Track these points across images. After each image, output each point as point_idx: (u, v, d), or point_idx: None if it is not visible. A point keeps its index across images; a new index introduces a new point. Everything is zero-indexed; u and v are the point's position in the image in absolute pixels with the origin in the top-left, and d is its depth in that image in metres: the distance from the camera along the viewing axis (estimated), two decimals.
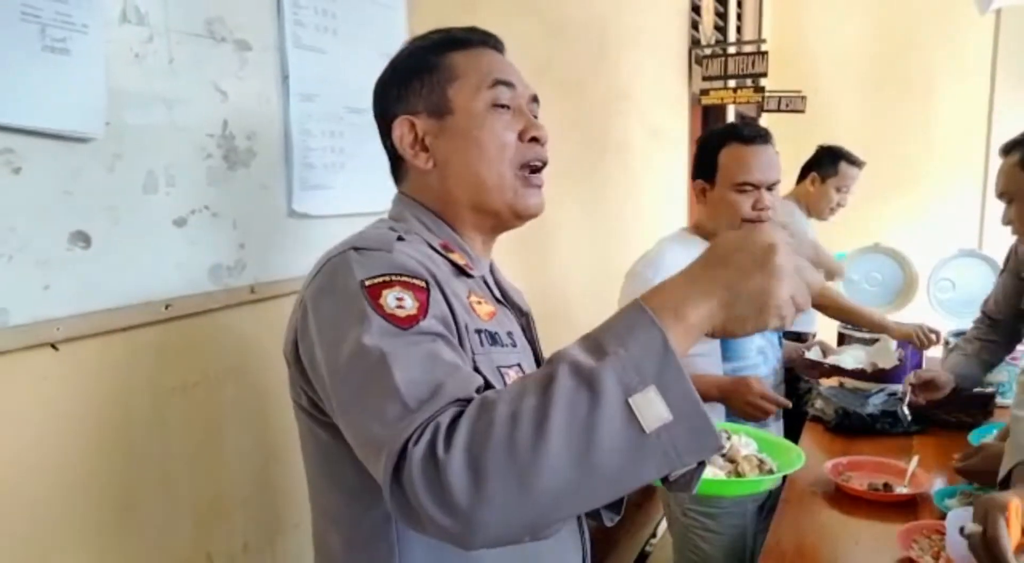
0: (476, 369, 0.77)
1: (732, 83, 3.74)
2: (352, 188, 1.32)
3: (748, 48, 3.90)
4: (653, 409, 0.60)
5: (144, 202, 0.94)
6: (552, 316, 2.16)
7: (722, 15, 4.15)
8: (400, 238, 0.82)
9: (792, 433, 2.15)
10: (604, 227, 2.63)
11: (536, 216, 0.93)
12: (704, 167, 1.77)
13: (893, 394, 2.18)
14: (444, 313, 0.76)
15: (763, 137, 1.75)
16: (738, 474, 0.88)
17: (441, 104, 0.90)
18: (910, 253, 2.75)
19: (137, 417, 0.95)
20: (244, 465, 1.10)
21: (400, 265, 0.77)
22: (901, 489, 1.68)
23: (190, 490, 1.02)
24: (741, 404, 1.64)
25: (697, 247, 1.67)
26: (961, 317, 2.49)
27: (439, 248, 0.87)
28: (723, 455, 0.91)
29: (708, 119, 4.08)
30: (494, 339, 0.85)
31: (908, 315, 2.71)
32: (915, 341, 2.33)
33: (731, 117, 4.45)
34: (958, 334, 2.38)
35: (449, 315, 0.77)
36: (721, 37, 4.12)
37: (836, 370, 2.12)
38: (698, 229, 1.85)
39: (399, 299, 0.74)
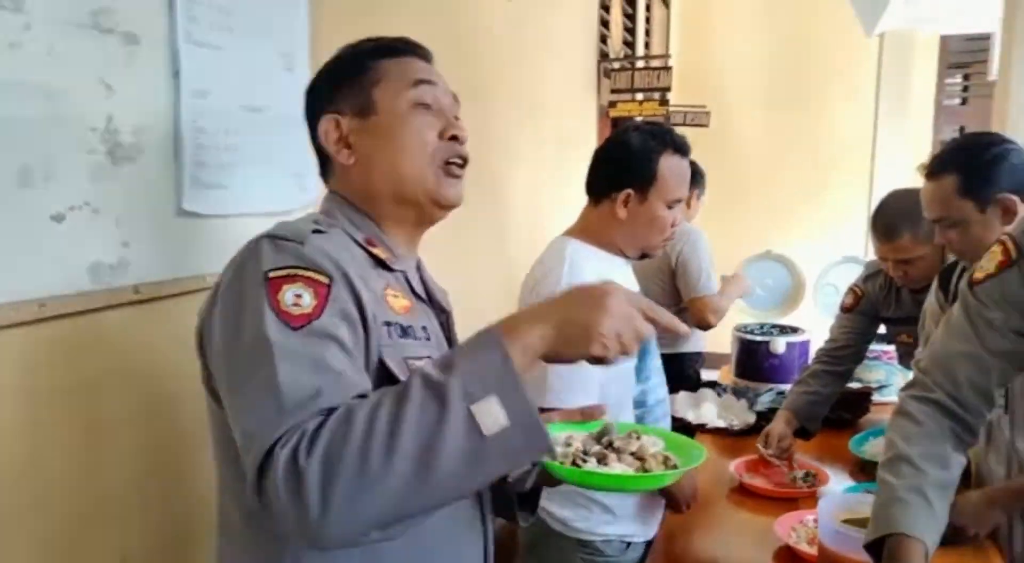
0: (381, 359, 0.83)
1: (639, 96, 3.86)
2: (251, 188, 1.30)
3: (655, 63, 4.05)
4: (492, 416, 0.69)
5: (19, 196, 0.90)
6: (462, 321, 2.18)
7: (630, 30, 4.29)
8: (318, 231, 0.85)
9: (687, 432, 2.24)
10: (513, 235, 2.67)
11: (456, 206, 0.99)
12: (637, 175, 1.54)
13: (780, 393, 2.31)
14: (346, 308, 0.80)
15: (689, 149, 1.62)
16: (645, 471, 0.94)
17: (366, 104, 0.95)
18: (800, 260, 2.92)
19: (7, 422, 0.91)
20: (124, 474, 1.06)
21: (308, 258, 0.80)
22: (796, 476, 1.79)
23: (65, 500, 0.98)
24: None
25: (599, 257, 1.57)
26: None
27: (362, 242, 0.92)
28: (632, 453, 0.96)
29: (617, 128, 4.20)
30: (405, 332, 0.89)
31: (796, 318, 2.87)
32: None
33: None
34: None
35: (353, 308, 0.81)
36: (629, 51, 4.26)
37: (702, 429, 2.18)
38: (599, 240, 1.60)
39: (297, 296, 0.77)
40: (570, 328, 0.76)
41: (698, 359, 2.75)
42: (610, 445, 0.97)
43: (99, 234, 1.00)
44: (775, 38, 5.33)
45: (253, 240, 0.84)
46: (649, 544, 1.59)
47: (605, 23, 3.83)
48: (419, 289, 0.99)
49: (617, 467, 0.92)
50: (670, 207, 1.56)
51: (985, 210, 1.46)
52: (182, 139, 1.13)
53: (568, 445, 0.97)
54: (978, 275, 1.13)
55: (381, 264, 0.92)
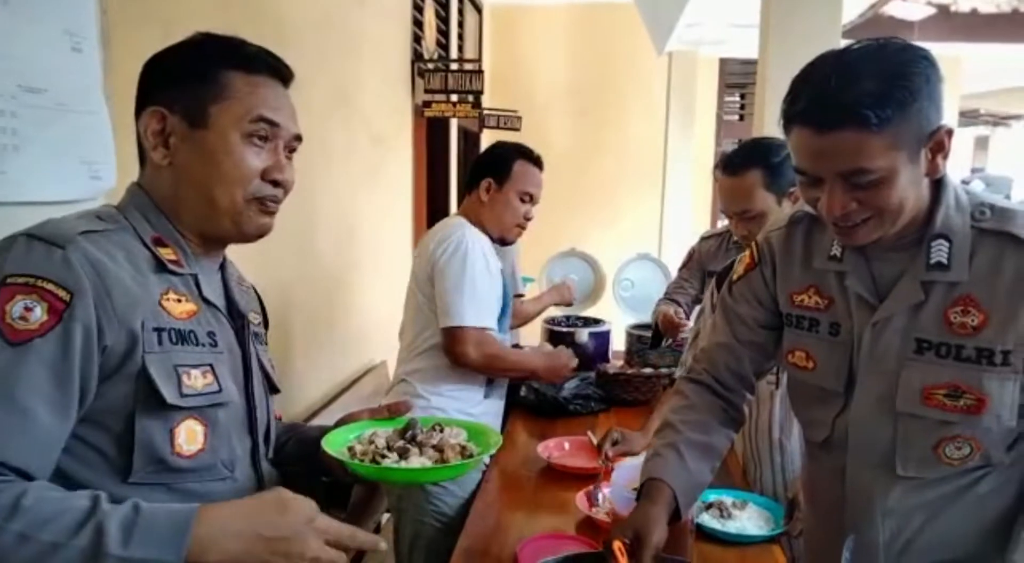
0: (144, 367, 0.83)
1: (454, 97, 3.95)
2: (31, 174, 1.20)
3: (468, 66, 4.16)
4: None
5: None
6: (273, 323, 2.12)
7: (444, 33, 4.37)
8: (90, 231, 0.82)
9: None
10: (323, 231, 2.64)
11: (262, 236, 0.98)
12: (496, 169, 2.05)
13: (585, 379, 2.49)
14: (84, 327, 0.79)
15: (542, 165, 2.11)
16: (443, 461, 1.00)
17: (199, 116, 0.91)
18: (601, 257, 3.15)
19: None
20: None
21: (56, 269, 0.78)
22: (600, 462, 1.91)
23: None
24: (561, 368, 2.08)
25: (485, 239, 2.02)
26: (638, 313, 2.90)
27: (149, 241, 0.89)
28: (434, 446, 1.02)
29: (433, 131, 4.27)
30: (183, 338, 0.88)
31: (597, 310, 3.10)
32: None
33: (454, 129, 4.70)
34: (636, 326, 2.78)
35: (93, 325, 0.79)
36: (444, 53, 4.34)
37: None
38: (475, 221, 2.04)
39: (27, 309, 0.76)
40: (268, 557, 0.78)
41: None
42: (413, 439, 1.03)
43: None
44: (579, 51, 5.68)
45: (10, 237, 0.80)
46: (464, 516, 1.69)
47: (419, 24, 3.88)
48: (211, 293, 0.96)
49: (416, 461, 0.99)
50: (522, 200, 2.05)
51: (781, 202, 1.67)
52: None
53: (371, 442, 1.02)
54: (734, 277, 1.31)
55: (163, 266, 0.90)
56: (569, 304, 2.85)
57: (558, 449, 2.00)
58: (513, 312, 2.69)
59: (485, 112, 4.93)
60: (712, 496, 1.62)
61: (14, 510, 0.70)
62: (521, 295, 2.80)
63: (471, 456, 1.01)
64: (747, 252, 1.29)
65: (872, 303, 1.08)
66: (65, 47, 1.29)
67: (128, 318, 0.82)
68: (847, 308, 1.11)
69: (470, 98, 3.94)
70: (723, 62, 5.90)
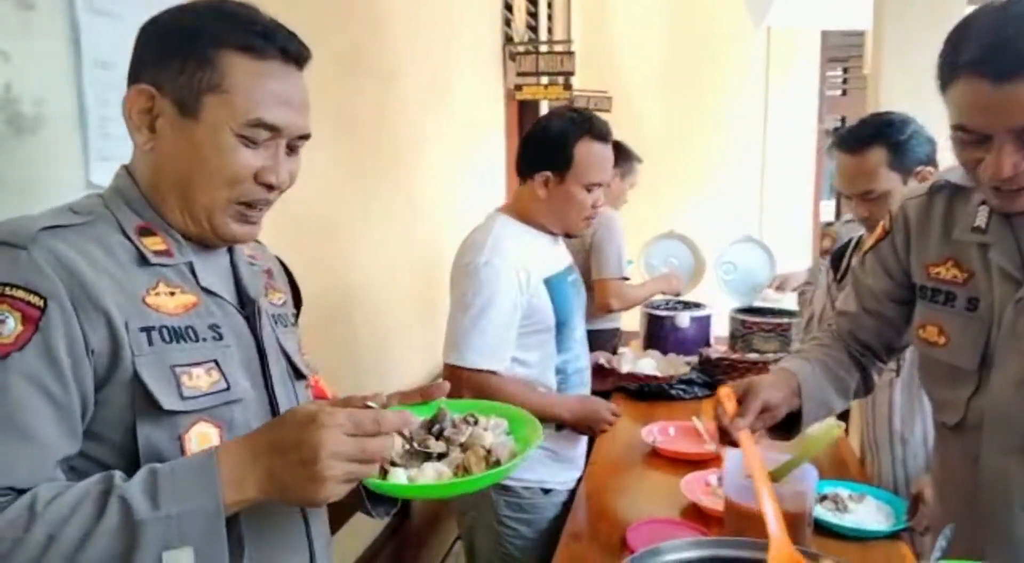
0: (135, 372, 0.74)
1: (544, 80, 3.92)
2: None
3: (558, 47, 4.11)
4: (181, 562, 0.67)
5: None
6: (349, 314, 2.16)
7: (533, 15, 4.33)
8: (55, 226, 0.74)
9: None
10: (426, 219, 2.67)
11: (242, 243, 0.90)
12: (555, 158, 1.63)
13: (687, 363, 2.43)
14: (71, 333, 0.71)
15: (610, 135, 1.70)
16: (466, 470, 0.84)
17: (190, 104, 0.79)
18: (700, 240, 3.06)
19: None
20: None
21: (23, 273, 0.70)
22: (709, 446, 1.87)
23: None
24: (595, 422, 1.67)
25: (524, 231, 1.67)
26: (742, 296, 2.81)
27: (133, 232, 0.80)
28: (461, 445, 0.86)
29: (523, 113, 4.26)
30: (179, 335, 0.79)
31: (698, 294, 3.02)
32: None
33: (544, 111, 4.66)
34: (740, 310, 2.69)
35: (75, 329, 0.71)
36: (533, 36, 4.31)
37: (633, 376, 2.17)
38: (525, 217, 1.70)
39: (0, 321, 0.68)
40: (290, 475, 0.70)
41: (615, 335, 2.86)
42: (441, 434, 0.88)
43: (2, 207, 0.95)
44: (672, 28, 5.50)
45: None
46: (572, 494, 1.70)
47: (509, 6, 3.86)
48: (212, 281, 0.86)
49: (430, 471, 0.83)
50: (588, 190, 1.66)
51: (907, 182, 1.57)
52: (87, 110, 1.08)
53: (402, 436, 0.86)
54: (865, 247, 1.26)
55: (144, 259, 0.80)
56: (677, 294, 2.79)
57: (663, 434, 1.96)
58: (618, 295, 2.67)
59: (576, 93, 4.88)
60: (827, 488, 1.55)
61: (31, 517, 0.65)
62: (627, 278, 2.76)
63: (498, 463, 0.84)
64: (881, 222, 1.22)
65: (1018, 278, 1.00)
66: None
67: (110, 319, 0.73)
68: (988, 283, 1.04)
69: (561, 80, 3.91)
70: (825, 35, 5.60)
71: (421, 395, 0.92)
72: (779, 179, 5.24)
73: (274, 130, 0.82)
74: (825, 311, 1.96)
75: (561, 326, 1.67)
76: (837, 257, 1.92)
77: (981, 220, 1.05)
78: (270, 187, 0.83)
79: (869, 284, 1.22)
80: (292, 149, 0.86)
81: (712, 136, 5.43)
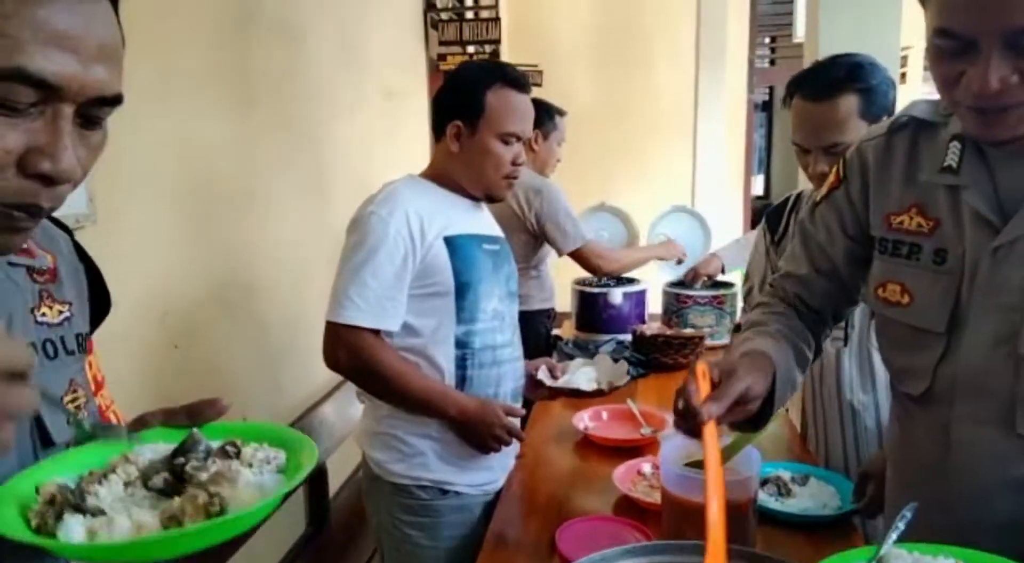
0: None
1: (470, 49, 3.74)
2: None
3: (484, 14, 3.93)
4: None
5: None
6: (255, 303, 1.98)
7: None
8: None
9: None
10: (339, 191, 2.47)
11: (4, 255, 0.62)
12: (465, 107, 1.48)
13: (620, 342, 2.32)
14: None
15: (528, 85, 1.56)
16: (179, 522, 0.59)
17: None
18: (632, 211, 2.94)
19: None
20: None
21: None
22: (644, 431, 1.75)
23: None
24: (484, 433, 1.44)
25: (434, 191, 1.51)
26: (675, 269, 2.70)
27: None
28: (202, 485, 0.61)
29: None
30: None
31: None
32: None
33: None
34: (673, 284, 2.59)
35: None
36: (458, 3, 4.11)
37: (572, 392, 1.71)
38: (437, 177, 1.54)
39: None
40: None
41: (549, 315, 2.67)
42: (179, 473, 0.63)
43: None
44: (601, 2, 5.39)
45: None
46: (498, 495, 1.52)
47: None
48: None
49: (123, 524, 0.58)
50: (505, 142, 1.49)
51: None
52: None
53: (96, 476, 0.63)
54: (816, 198, 1.11)
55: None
56: (680, 261, 2.66)
57: (595, 419, 1.83)
58: (599, 255, 2.49)
59: None
60: (768, 469, 1.44)
61: None
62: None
63: (220, 513, 0.59)
64: (834, 168, 1.07)
65: (995, 223, 0.87)
66: None
67: None
68: (959, 231, 0.91)
69: (488, 49, 3.73)
70: (753, 3, 5.57)
71: (187, 414, 0.71)
72: (711, 149, 5.19)
73: (46, 88, 0.52)
74: (766, 279, 1.85)
75: (463, 290, 1.46)
76: (774, 217, 1.78)
77: (952, 159, 0.91)
78: (46, 179, 0.54)
79: (821, 241, 1.08)
80: (89, 121, 0.57)
81: (643, 107, 5.37)
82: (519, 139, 1.51)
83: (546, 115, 2.61)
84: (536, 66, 4.73)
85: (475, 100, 1.48)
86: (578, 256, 2.50)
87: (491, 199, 1.57)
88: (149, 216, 1.54)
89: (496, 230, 1.62)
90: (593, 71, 5.42)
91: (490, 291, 1.51)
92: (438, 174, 1.54)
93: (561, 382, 1.69)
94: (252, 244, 1.95)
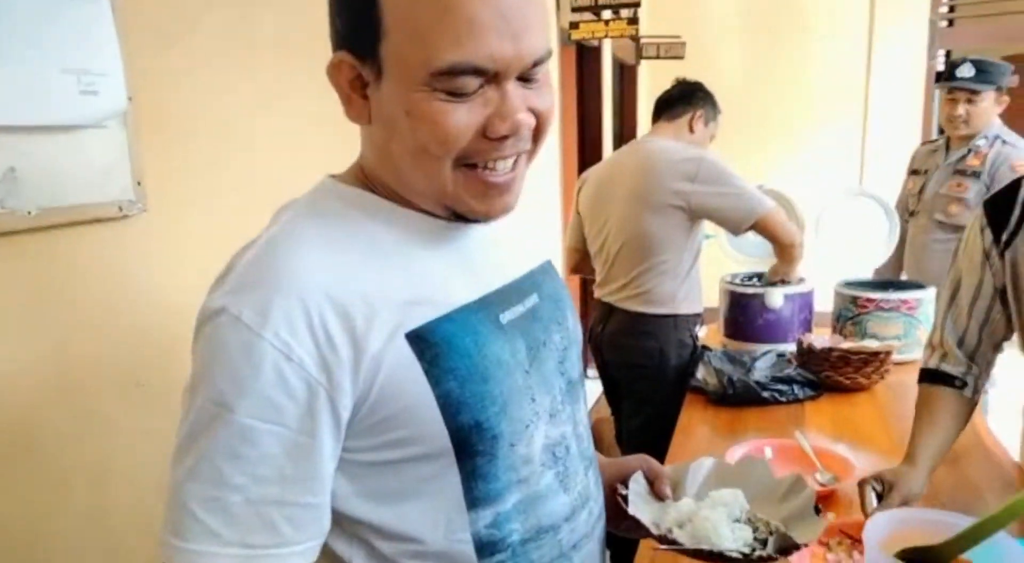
0: None
1: (606, 14, 3.36)
2: None
3: None
4: None
5: None
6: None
7: None
8: None
9: (674, 404, 1.84)
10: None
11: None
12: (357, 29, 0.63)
13: (781, 355, 1.91)
14: None
15: None
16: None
17: None
18: (793, 194, 2.48)
19: None
20: None
21: None
22: (822, 478, 1.38)
23: None
24: None
25: (369, 217, 0.68)
26: (850, 265, 2.24)
27: None
28: None
29: (583, 61, 3.72)
30: None
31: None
32: None
33: (607, 61, 4.11)
34: (851, 284, 2.14)
35: None
36: None
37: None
38: (373, 180, 0.70)
39: None
40: None
41: (696, 321, 2.15)
42: None
43: None
44: None
45: None
46: None
47: None
48: None
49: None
50: (450, 93, 0.62)
51: None
52: None
53: None
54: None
55: None
56: None
57: (757, 455, 1.46)
58: (776, 225, 1.99)
59: (643, 41, 4.33)
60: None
61: None
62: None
63: None
64: None
65: None
66: None
67: None
68: None
69: (622, 14, 3.33)
70: None
71: None
72: (885, 124, 4.53)
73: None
74: (981, 292, 1.36)
75: (471, 439, 0.66)
76: (1001, 206, 1.29)
77: None
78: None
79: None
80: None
81: (804, 79, 4.79)
82: (495, 77, 0.61)
83: (710, 103, 2.20)
84: (678, 37, 4.31)
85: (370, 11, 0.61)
86: (761, 230, 2.01)
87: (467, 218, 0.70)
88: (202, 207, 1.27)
89: (520, 259, 0.80)
90: (740, 41, 4.91)
91: (534, 412, 0.72)
92: (372, 174, 0.71)
93: (685, 537, 0.79)
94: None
